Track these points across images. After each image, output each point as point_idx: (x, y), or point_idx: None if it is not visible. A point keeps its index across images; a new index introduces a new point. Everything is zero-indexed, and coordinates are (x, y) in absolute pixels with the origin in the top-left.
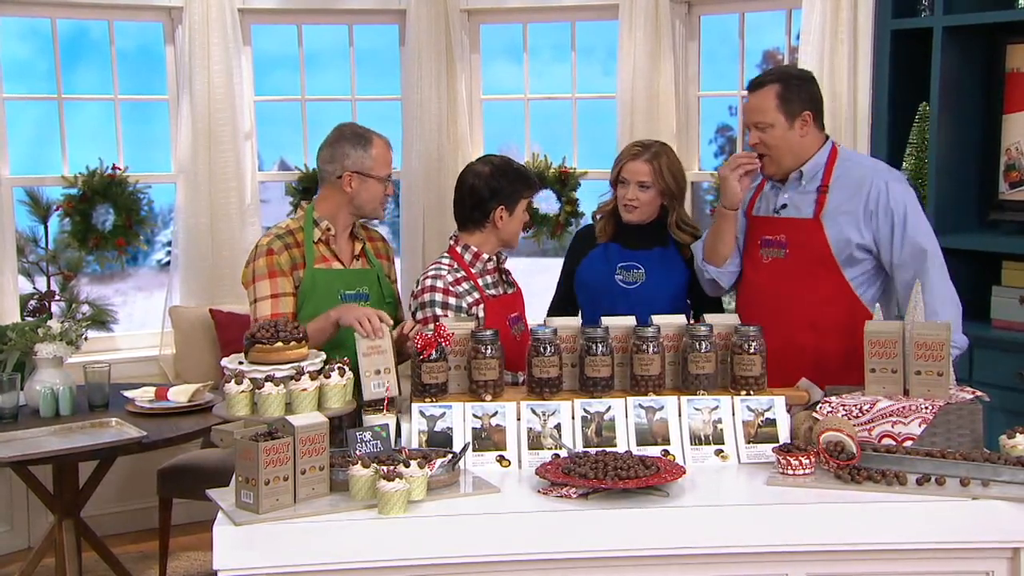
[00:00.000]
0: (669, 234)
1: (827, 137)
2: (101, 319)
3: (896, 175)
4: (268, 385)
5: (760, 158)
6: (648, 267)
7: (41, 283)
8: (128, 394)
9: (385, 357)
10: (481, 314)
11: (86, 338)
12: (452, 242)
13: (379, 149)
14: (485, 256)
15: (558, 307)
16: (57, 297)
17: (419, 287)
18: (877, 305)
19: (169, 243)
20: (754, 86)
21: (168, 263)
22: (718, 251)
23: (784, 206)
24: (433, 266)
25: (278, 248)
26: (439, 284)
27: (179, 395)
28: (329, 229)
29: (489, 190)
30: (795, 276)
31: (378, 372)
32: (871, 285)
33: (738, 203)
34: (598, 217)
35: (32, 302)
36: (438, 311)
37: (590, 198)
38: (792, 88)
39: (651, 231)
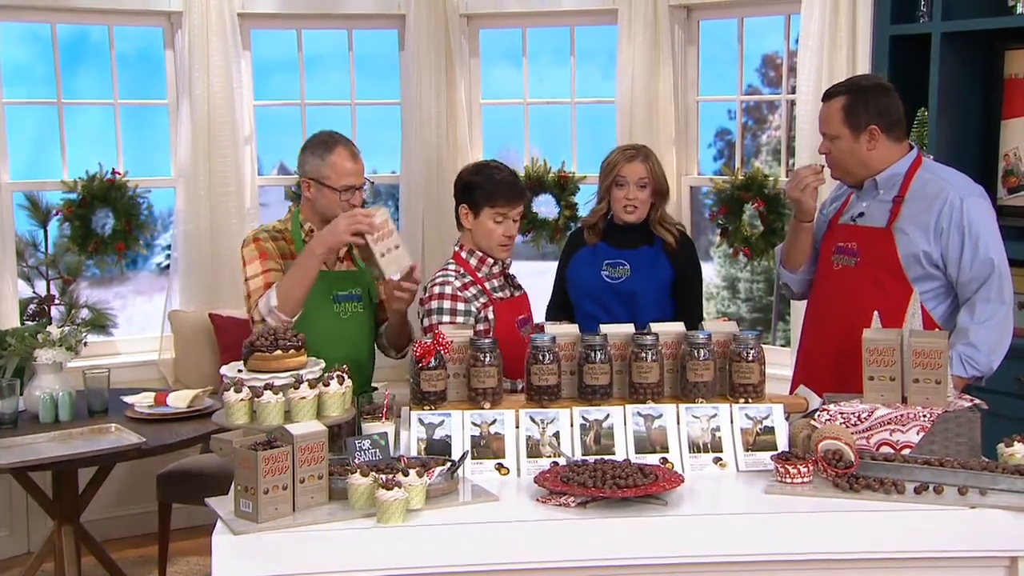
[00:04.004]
0: (654, 234)
1: (911, 147)
2: (101, 323)
3: (975, 191)
4: (267, 393)
5: (830, 166)
6: (633, 264)
7: (41, 287)
8: (128, 399)
9: (394, 235)
10: (491, 316)
11: (85, 343)
12: (457, 248)
13: (338, 158)
14: (491, 260)
15: (554, 307)
16: (57, 301)
17: (427, 294)
18: (876, 313)
19: (169, 246)
20: (825, 96)
21: (168, 266)
22: (793, 257)
23: (861, 214)
24: (440, 273)
25: (264, 237)
26: (447, 291)
27: (178, 400)
28: (312, 230)
29: (459, 187)
30: (863, 285)
31: (395, 248)
32: (942, 301)
33: (813, 216)
34: (589, 223)
35: (32, 306)
36: (445, 318)
37: (589, 202)
38: (859, 102)
39: (638, 231)
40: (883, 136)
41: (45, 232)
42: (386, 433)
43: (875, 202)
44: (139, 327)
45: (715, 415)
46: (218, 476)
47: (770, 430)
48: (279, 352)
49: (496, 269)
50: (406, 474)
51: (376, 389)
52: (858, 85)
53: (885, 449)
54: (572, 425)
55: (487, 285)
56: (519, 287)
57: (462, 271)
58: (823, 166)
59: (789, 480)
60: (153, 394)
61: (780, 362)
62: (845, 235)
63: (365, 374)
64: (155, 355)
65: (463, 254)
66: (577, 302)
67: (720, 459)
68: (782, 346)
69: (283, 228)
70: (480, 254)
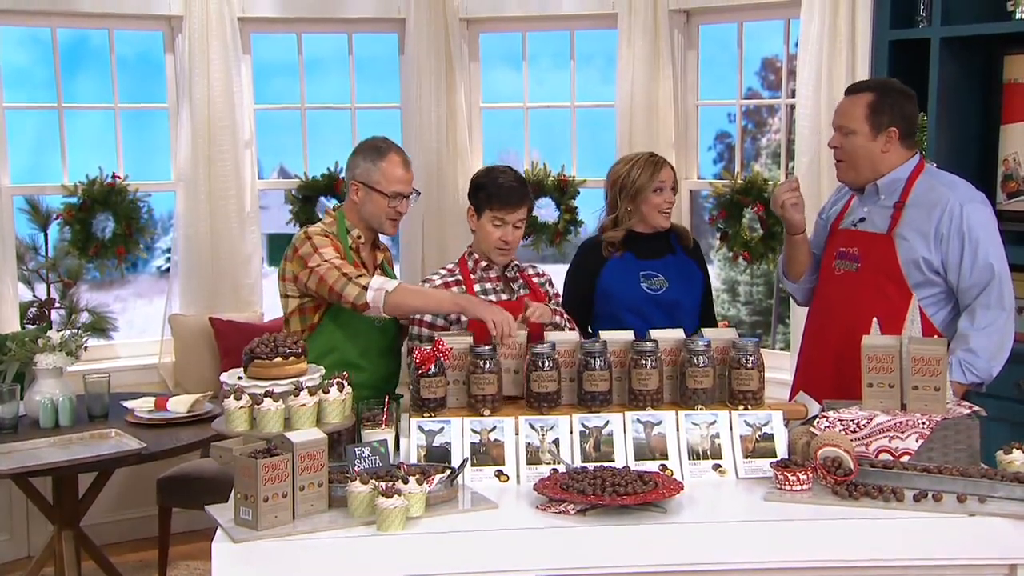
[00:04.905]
0: (673, 241)
1: (916, 153)
2: (101, 326)
3: (975, 197)
4: (267, 401)
5: (837, 162)
6: (667, 274)
7: (41, 291)
8: (128, 404)
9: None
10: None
11: (86, 348)
12: (468, 247)
13: (390, 165)
14: (483, 264)
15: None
16: (57, 305)
17: None
18: (875, 320)
19: (169, 249)
20: (850, 90)
21: (168, 270)
22: (793, 268)
23: (862, 219)
24: (433, 271)
25: (331, 235)
26: (424, 287)
27: (178, 405)
28: (360, 237)
29: (470, 188)
30: (864, 291)
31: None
32: (942, 307)
33: (801, 228)
34: (615, 239)
35: (32, 310)
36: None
37: (589, 206)
38: (886, 101)
39: (658, 240)
40: (898, 141)
41: (45, 236)
42: (386, 440)
43: (876, 207)
44: (139, 331)
45: (714, 422)
46: (218, 480)
47: (769, 437)
48: (279, 359)
49: (493, 273)
50: (406, 482)
51: (402, 396)
52: (887, 85)
53: (884, 456)
54: (572, 432)
55: (477, 287)
56: (515, 291)
57: (456, 270)
58: (798, 181)
59: (788, 487)
60: (153, 399)
61: (780, 366)
62: (846, 240)
63: (393, 384)
64: (155, 359)
65: (466, 254)
66: (616, 315)
67: (719, 466)
68: (781, 350)
69: (331, 233)
70: (477, 256)
